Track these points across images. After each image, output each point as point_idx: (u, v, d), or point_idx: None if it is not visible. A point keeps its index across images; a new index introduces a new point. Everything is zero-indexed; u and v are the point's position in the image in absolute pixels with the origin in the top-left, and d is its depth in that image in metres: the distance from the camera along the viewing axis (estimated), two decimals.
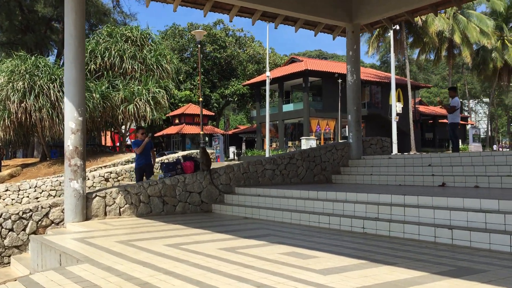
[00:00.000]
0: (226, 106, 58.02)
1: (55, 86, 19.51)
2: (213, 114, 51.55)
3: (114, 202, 8.52)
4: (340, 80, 38.63)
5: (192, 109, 47.78)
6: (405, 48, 40.37)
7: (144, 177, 10.65)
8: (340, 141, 38.52)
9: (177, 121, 47.12)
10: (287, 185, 9.89)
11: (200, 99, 22.22)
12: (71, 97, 8.11)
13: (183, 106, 47.92)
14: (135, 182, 15.42)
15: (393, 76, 35.43)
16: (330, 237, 5.97)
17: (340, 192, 7.51)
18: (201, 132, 19.70)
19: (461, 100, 76.19)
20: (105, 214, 8.42)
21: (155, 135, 49.38)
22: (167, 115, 43.31)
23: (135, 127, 26.68)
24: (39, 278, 4.17)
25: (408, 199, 6.43)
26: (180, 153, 18.75)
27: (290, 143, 41.05)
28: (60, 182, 14.92)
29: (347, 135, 41.23)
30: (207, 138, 48.56)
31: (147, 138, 10.59)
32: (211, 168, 9.53)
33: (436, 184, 8.64)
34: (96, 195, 8.38)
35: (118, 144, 32.50)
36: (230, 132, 55.48)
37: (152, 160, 10.90)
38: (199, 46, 21.30)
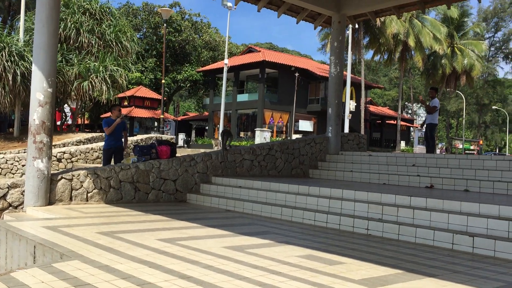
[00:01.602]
0: (177, 91, 56.54)
1: (3, 55, 17.87)
2: (165, 98, 50.03)
3: (82, 186, 7.66)
4: (297, 74, 38.43)
5: (143, 92, 46.00)
6: (361, 47, 40.77)
7: (112, 161, 9.77)
8: (293, 135, 38.40)
9: (126, 103, 45.26)
10: (266, 177, 9.38)
11: (163, 81, 21.17)
12: (41, 65, 7.14)
13: (133, 88, 46.13)
14: (90, 164, 14.40)
15: (348, 74, 35.64)
16: (336, 238, 5.50)
17: (336, 189, 7.06)
18: (162, 116, 18.60)
19: (405, 103, 78.63)
20: (71, 199, 7.55)
21: (101, 116, 47.36)
22: (116, 96, 41.60)
23: (79, 107, 25.12)
24: (24, 277, 3.39)
25: (415, 201, 6.04)
26: (132, 138, 17.74)
27: (242, 134, 40.50)
28: (7, 160, 13.61)
29: (300, 129, 40.75)
30: (156, 123, 47.13)
31: (119, 118, 9.69)
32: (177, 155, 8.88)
33: (422, 185, 8.38)
34: (61, 177, 7.48)
35: (59, 123, 30.63)
36: (179, 119, 54.19)
37: (123, 143, 10.02)
38: (164, 25, 20.20)
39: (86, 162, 14.56)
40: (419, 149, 44.48)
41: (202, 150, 14.54)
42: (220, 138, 9.06)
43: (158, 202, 8.29)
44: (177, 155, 9.18)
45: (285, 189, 7.70)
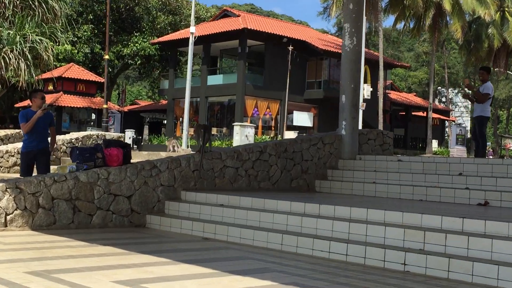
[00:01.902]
0: (123, 71, 56.25)
1: None
2: (103, 81, 49.56)
3: None
4: (290, 48, 38.51)
5: (75, 71, 45.57)
6: (379, 12, 41.10)
7: (34, 168, 9.64)
8: (286, 132, 38.50)
9: (51, 87, 44.88)
10: (257, 192, 9.44)
11: (106, 56, 20.99)
12: None
13: (61, 66, 45.73)
14: (5, 174, 14.24)
15: (362, 48, 35.81)
16: (362, 277, 5.50)
17: (358, 207, 7.09)
18: (105, 106, 18.33)
19: (438, 87, 79.47)
20: None
21: (16, 105, 46.88)
22: (39, 77, 41.13)
23: None
24: None
25: (470, 225, 6.08)
26: (63, 137, 17.57)
27: (214, 130, 40.43)
28: None
29: (295, 123, 40.63)
30: (93, 115, 46.85)
31: (42, 110, 9.53)
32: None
33: (473, 202, 8.48)
34: None
35: None
36: (125, 109, 53.81)
37: (49, 144, 9.91)
38: None
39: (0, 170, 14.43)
40: (458, 150, 44.99)
41: (164, 154, 14.49)
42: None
43: (107, 228, 8.23)
44: (132, 160, 9.11)
45: (285, 208, 7.71)
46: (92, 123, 46.51)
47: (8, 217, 7.60)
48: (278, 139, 35.17)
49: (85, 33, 49.42)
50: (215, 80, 41.77)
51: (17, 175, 11.79)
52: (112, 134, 18.88)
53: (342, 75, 11.22)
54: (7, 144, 16.77)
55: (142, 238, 7.48)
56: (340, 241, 6.51)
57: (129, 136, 43.63)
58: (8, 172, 14.37)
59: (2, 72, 19.95)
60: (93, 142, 16.26)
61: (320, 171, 10.81)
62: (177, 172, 9.03)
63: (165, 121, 48.87)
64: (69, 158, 10.20)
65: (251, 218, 7.66)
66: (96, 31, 50.31)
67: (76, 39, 48.92)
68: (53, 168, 11.46)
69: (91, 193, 8.20)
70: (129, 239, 7.27)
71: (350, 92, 11.10)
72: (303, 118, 42.05)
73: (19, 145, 15.08)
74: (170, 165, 8.98)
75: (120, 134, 19.20)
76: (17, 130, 17.96)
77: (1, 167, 14.58)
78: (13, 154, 14.68)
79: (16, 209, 7.64)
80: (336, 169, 10.89)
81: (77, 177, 8.11)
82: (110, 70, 51.42)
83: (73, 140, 16.42)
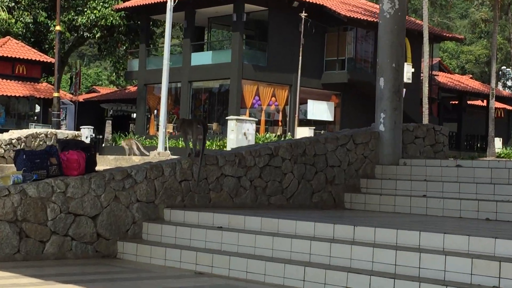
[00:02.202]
0: (77, 47, 56.34)
1: None
2: (51, 61, 49.62)
3: None
4: (304, 14, 38.55)
5: (12, 48, 45.71)
6: None
7: None
8: (298, 128, 38.47)
9: None
10: (267, 209, 9.50)
11: (58, 27, 20.99)
12: None
13: None
14: None
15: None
16: None
17: (405, 230, 7.07)
18: (56, 94, 18.29)
19: (502, 67, 79.54)
20: None
21: None
22: None
23: None
24: None
25: None
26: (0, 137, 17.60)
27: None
28: None
29: (310, 117, 40.79)
30: (38, 107, 46.93)
31: None
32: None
33: None
34: None
35: None
36: (80, 99, 53.79)
37: None
38: None
39: None
40: None
41: (137, 159, 14.51)
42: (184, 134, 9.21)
43: (65, 259, 8.23)
44: (97, 168, 9.11)
45: (307, 232, 7.71)
46: (36, 117, 46.56)
47: None
48: (287, 138, 35.16)
49: None
50: (201, 58, 41.84)
51: None
52: (64, 132, 18.85)
53: (380, 50, 11.24)
54: None
55: (114, 273, 7.48)
56: (384, 275, 6.49)
57: (86, 134, 43.72)
58: None
59: None
60: (41, 143, 16.23)
61: (350, 181, 10.83)
62: (158, 184, 9.02)
63: (134, 115, 48.91)
64: (12, 165, 10.19)
65: (260, 245, 7.64)
66: None
67: (13, 4, 49.10)
68: None
69: (43, 213, 8.18)
70: (96, 275, 7.29)
71: (390, 73, 11.11)
72: (320, 110, 42.10)
73: None
74: (149, 173, 8.98)
75: (76, 132, 19.20)
76: None
77: None
78: None
79: None
80: (372, 178, 10.92)
81: (24, 191, 8.09)
82: (60, 46, 51.61)
83: (13, 141, 16.38)
